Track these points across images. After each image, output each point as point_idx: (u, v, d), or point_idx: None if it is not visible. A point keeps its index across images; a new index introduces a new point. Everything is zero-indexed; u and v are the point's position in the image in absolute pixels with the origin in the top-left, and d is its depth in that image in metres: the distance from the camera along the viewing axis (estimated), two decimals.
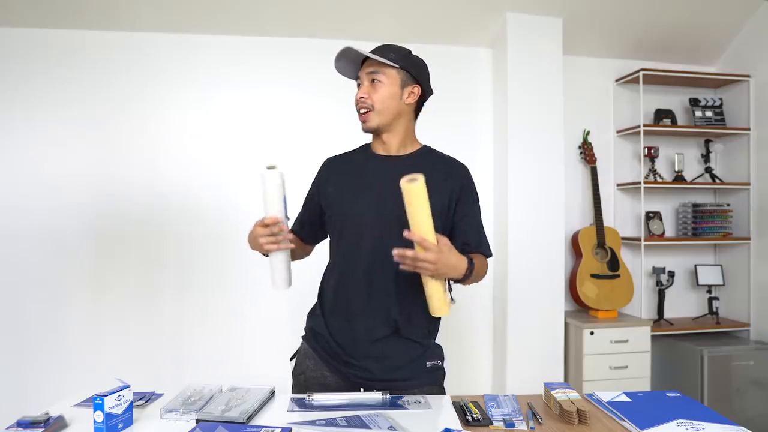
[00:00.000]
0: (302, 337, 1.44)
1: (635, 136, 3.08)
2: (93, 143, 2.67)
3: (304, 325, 1.44)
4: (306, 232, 1.46)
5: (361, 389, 1.21)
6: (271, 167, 1.21)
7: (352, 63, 1.34)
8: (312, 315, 1.43)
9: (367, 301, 1.29)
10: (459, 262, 1.17)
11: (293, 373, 1.40)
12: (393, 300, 1.29)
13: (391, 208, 1.22)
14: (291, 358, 1.45)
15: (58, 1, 2.47)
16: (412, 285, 1.24)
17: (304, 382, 1.35)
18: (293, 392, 1.37)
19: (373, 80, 1.30)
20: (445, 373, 1.38)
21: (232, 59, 2.77)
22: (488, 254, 1.36)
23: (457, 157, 1.42)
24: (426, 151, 1.40)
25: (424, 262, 1.10)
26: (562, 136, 2.77)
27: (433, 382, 1.33)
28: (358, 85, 1.34)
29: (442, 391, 1.35)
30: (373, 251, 1.28)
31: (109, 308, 2.66)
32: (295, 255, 1.41)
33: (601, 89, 3.15)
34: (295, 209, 1.49)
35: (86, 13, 2.55)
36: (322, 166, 1.45)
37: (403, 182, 1.11)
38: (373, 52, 1.30)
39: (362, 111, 1.31)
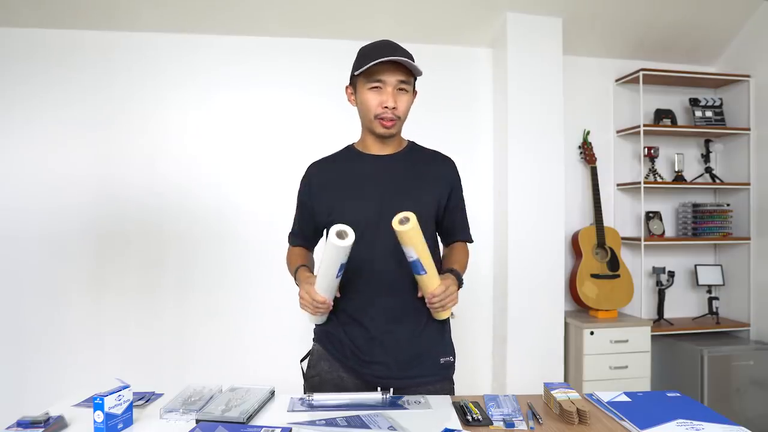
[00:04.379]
0: (314, 339, 1.43)
1: (635, 136, 3.08)
2: (93, 143, 2.67)
3: (313, 326, 1.44)
4: (312, 243, 1.49)
5: (378, 388, 1.22)
6: (341, 233, 1.15)
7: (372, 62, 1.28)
8: None
9: (378, 300, 1.30)
10: (455, 283, 1.27)
11: (306, 375, 1.40)
12: (404, 297, 1.30)
13: (393, 205, 1.23)
14: (302, 360, 1.44)
15: (58, 1, 2.47)
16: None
17: (318, 384, 1.35)
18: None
19: (400, 89, 1.28)
20: (455, 368, 1.40)
21: (232, 59, 2.77)
22: (470, 240, 1.46)
23: (457, 157, 1.46)
24: (413, 146, 1.43)
25: (449, 298, 1.23)
26: (562, 136, 2.77)
27: (445, 377, 1.36)
28: (375, 88, 1.27)
29: (452, 386, 1.38)
30: (381, 250, 1.29)
31: (109, 308, 2.66)
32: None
33: (601, 89, 3.15)
34: (289, 214, 1.49)
35: (86, 13, 2.55)
36: (308, 173, 1.43)
37: (396, 224, 1.15)
38: (401, 57, 1.25)
39: (389, 120, 1.29)
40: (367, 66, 1.23)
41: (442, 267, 1.36)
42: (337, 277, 1.20)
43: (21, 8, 2.50)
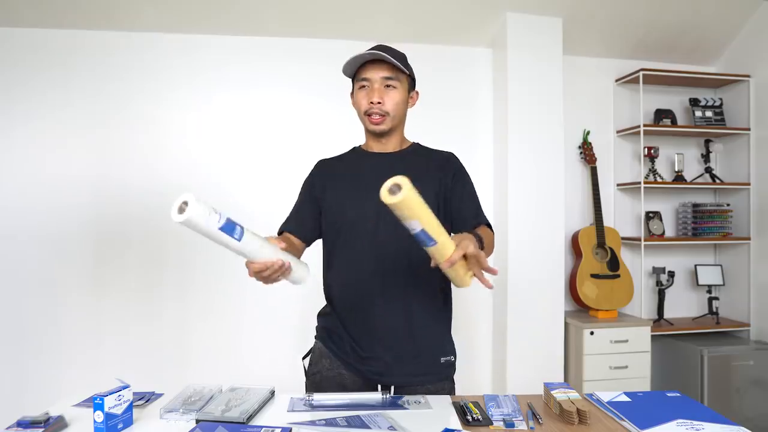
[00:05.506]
0: (315, 336, 1.44)
1: (635, 136, 3.08)
2: (93, 143, 2.67)
3: (315, 324, 1.44)
4: (307, 232, 1.39)
5: (379, 386, 1.21)
6: (181, 208, 0.98)
7: (355, 63, 1.33)
8: (323, 315, 1.43)
9: (381, 299, 1.30)
10: (473, 242, 1.05)
11: (307, 372, 1.40)
12: (405, 295, 1.30)
13: None
14: (303, 357, 1.44)
15: (58, 1, 2.47)
16: (422, 279, 1.27)
17: (319, 381, 1.35)
18: (307, 392, 1.37)
19: (387, 85, 1.31)
20: (456, 368, 1.40)
21: (232, 59, 2.77)
22: (488, 225, 1.36)
23: (456, 157, 1.45)
24: (416, 146, 1.44)
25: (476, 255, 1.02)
26: (562, 136, 2.77)
27: (446, 377, 1.36)
28: (363, 86, 1.32)
29: (453, 386, 1.38)
30: (383, 249, 1.29)
31: (109, 308, 2.66)
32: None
33: (601, 89, 3.15)
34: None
35: (86, 13, 2.55)
36: (316, 168, 1.45)
37: (386, 196, 0.91)
38: (385, 54, 1.29)
39: (376, 116, 1.31)
40: (348, 62, 1.29)
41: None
42: (239, 240, 1.02)
43: (21, 8, 2.50)
